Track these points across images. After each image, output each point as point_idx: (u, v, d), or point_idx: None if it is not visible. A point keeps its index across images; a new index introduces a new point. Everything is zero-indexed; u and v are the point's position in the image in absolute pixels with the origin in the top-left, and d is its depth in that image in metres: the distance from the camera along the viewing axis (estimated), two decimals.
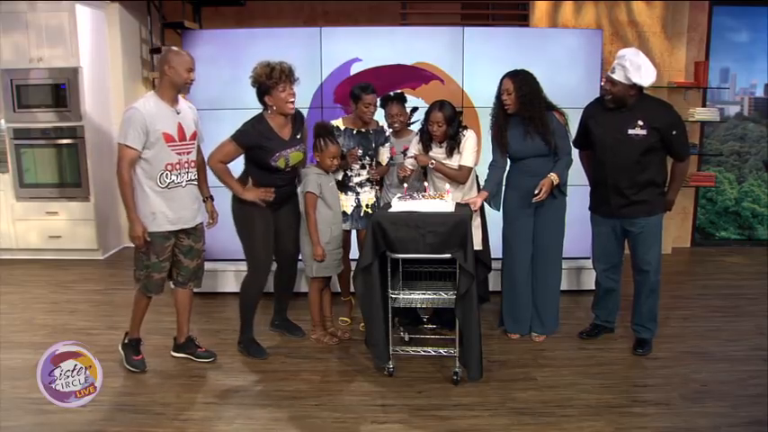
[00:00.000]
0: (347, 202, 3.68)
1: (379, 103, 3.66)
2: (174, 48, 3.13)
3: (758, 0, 5.50)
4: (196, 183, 3.26)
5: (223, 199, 4.39)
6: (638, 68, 3.15)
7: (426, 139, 3.50)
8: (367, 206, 3.71)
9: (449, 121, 3.40)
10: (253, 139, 3.22)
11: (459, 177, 3.51)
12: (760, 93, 5.77)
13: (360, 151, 3.62)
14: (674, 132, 3.23)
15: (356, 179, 3.69)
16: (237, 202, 3.35)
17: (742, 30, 5.65)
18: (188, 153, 3.16)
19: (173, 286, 3.39)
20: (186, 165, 3.15)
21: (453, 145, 3.46)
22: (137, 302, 3.28)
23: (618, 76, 3.19)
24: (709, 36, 5.58)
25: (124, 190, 3.00)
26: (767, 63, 5.69)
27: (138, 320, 3.31)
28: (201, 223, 3.33)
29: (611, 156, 3.32)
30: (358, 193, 3.70)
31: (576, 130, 3.56)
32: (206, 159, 3.31)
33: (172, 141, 3.05)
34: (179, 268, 3.29)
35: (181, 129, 3.10)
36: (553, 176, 3.36)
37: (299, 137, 3.37)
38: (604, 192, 3.39)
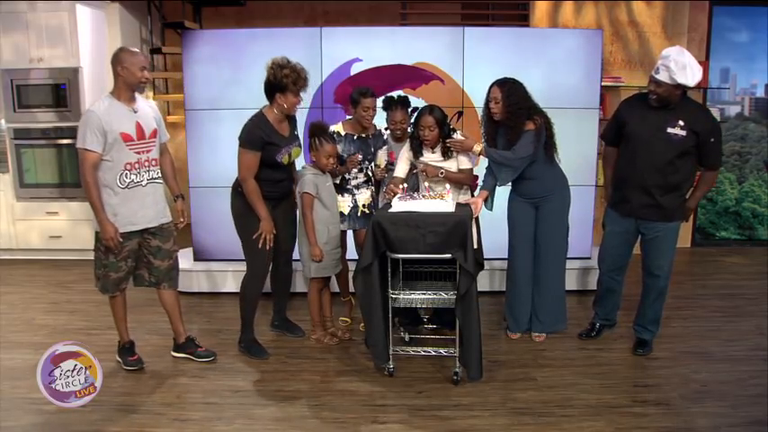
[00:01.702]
0: (344, 203, 3.67)
1: (381, 105, 3.65)
2: (127, 47, 3.11)
3: (758, 0, 5.50)
4: (159, 181, 3.23)
5: (220, 199, 4.40)
6: (683, 68, 3.05)
7: (417, 145, 3.47)
8: (364, 206, 3.71)
9: (440, 125, 3.39)
10: (261, 141, 3.23)
11: (465, 180, 3.53)
12: (760, 93, 5.77)
13: (360, 156, 3.63)
14: (712, 140, 3.17)
15: (354, 182, 3.70)
16: (238, 199, 3.36)
17: (742, 30, 5.65)
18: (148, 152, 3.13)
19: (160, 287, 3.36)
20: (146, 163, 3.13)
21: (446, 148, 3.45)
22: (111, 307, 3.28)
23: (662, 76, 3.10)
24: (710, 36, 5.58)
25: (91, 194, 2.97)
26: (767, 63, 5.69)
27: (121, 324, 3.30)
28: (169, 223, 3.29)
29: (645, 153, 3.24)
30: (354, 195, 3.71)
31: (608, 123, 3.53)
32: (240, 177, 3.25)
33: (130, 141, 3.03)
34: (150, 269, 3.26)
35: (139, 128, 3.07)
36: (476, 146, 3.37)
37: (296, 133, 3.43)
38: (628, 189, 3.34)
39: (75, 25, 5.17)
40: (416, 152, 3.48)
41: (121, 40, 5.64)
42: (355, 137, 3.65)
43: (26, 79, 5.26)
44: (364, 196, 3.73)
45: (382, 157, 3.74)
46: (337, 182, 3.64)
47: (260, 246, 3.28)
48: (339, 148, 3.56)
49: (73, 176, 5.40)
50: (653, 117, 3.22)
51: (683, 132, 3.16)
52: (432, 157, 3.48)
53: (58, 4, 5.15)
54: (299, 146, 3.44)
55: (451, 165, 3.49)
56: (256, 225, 3.30)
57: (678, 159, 3.20)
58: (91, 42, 5.37)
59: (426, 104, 3.52)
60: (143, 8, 5.78)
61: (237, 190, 3.35)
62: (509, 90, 3.34)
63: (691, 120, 3.16)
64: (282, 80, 3.18)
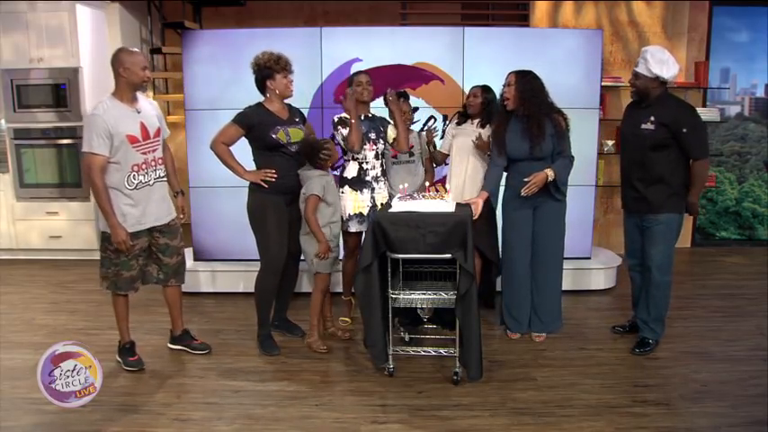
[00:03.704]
0: (363, 203, 3.63)
1: (383, 103, 3.71)
2: (126, 48, 3.11)
3: (758, 0, 5.50)
4: (165, 180, 3.27)
5: (221, 199, 4.41)
6: (660, 62, 3.23)
7: (462, 117, 3.85)
8: (381, 205, 3.63)
9: (485, 99, 3.72)
10: (252, 119, 3.31)
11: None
12: (760, 93, 5.77)
13: (373, 134, 3.60)
14: (684, 130, 3.24)
15: (372, 172, 3.64)
16: (252, 196, 3.40)
17: (742, 30, 5.65)
18: (153, 151, 3.15)
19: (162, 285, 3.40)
20: (153, 163, 3.15)
21: (487, 120, 3.70)
22: (114, 305, 3.28)
23: (641, 69, 3.28)
24: (710, 36, 5.58)
25: (100, 197, 2.98)
26: (767, 63, 5.69)
27: (123, 323, 3.30)
28: (175, 220, 3.32)
29: (627, 149, 3.47)
30: (373, 189, 3.65)
31: None
32: (209, 143, 3.36)
33: (136, 142, 3.04)
34: (159, 266, 3.30)
35: (144, 128, 3.08)
36: (548, 171, 3.37)
37: (297, 120, 3.46)
38: (623, 186, 3.53)
39: (75, 25, 5.17)
40: (460, 122, 3.86)
41: (121, 40, 5.65)
42: (362, 117, 3.62)
43: (26, 79, 5.26)
44: (382, 194, 3.68)
45: (392, 134, 3.71)
46: (355, 174, 3.62)
47: (264, 183, 3.33)
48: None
49: (73, 176, 5.41)
50: (634, 115, 3.41)
51: (653, 127, 3.28)
52: (471, 127, 3.76)
53: (57, 4, 5.16)
54: (302, 129, 3.45)
55: (486, 132, 3.70)
56: (269, 220, 3.35)
57: (653, 153, 3.31)
58: (91, 42, 5.37)
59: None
60: (143, 8, 5.78)
61: (252, 187, 3.39)
62: (524, 79, 3.42)
63: (660, 113, 3.28)
64: (265, 65, 3.30)
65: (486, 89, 3.75)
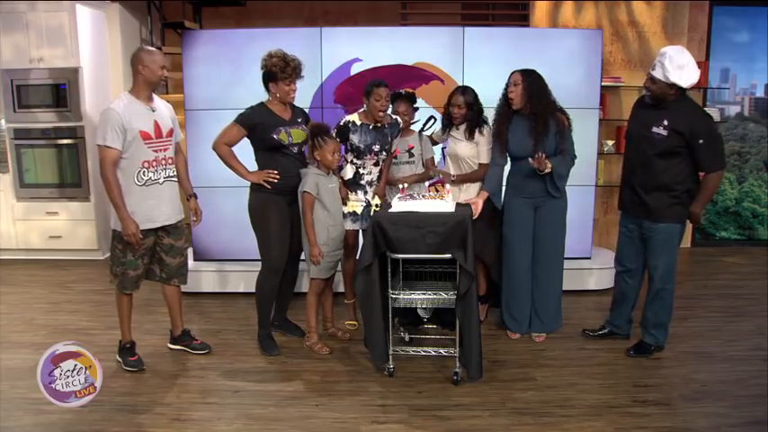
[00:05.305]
0: (357, 203, 3.65)
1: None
2: (146, 47, 3.17)
3: (758, 0, 5.50)
4: (175, 179, 3.29)
5: (220, 199, 4.41)
6: (678, 68, 3.05)
7: (447, 122, 3.72)
8: (376, 206, 3.66)
9: (469, 106, 3.58)
10: (254, 119, 3.32)
11: (480, 174, 3.64)
12: (760, 93, 5.77)
13: (377, 146, 3.58)
14: (700, 141, 3.08)
15: (367, 177, 3.65)
16: (254, 196, 3.42)
17: (742, 30, 5.65)
18: (165, 150, 3.18)
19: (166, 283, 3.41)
20: (163, 161, 3.18)
21: (473, 128, 3.61)
22: (118, 304, 3.30)
23: (657, 74, 3.11)
24: (710, 36, 5.58)
25: (112, 190, 3.01)
26: (767, 63, 5.69)
27: (125, 322, 3.32)
28: (182, 221, 3.34)
29: (632, 150, 3.34)
30: (367, 192, 3.66)
31: None
32: (212, 145, 3.38)
33: (149, 139, 3.08)
34: (162, 266, 3.32)
35: (157, 126, 3.13)
36: (551, 162, 3.34)
37: (299, 120, 3.46)
38: (622, 186, 3.44)
39: (75, 25, 5.17)
40: (445, 127, 3.74)
41: (121, 40, 5.64)
42: (371, 126, 3.60)
43: (26, 79, 5.25)
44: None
45: (397, 142, 3.72)
46: (351, 177, 3.63)
47: (268, 184, 3.33)
48: (355, 138, 3.55)
49: (73, 176, 5.40)
50: (644, 115, 3.26)
51: (665, 132, 3.14)
52: (456, 135, 3.67)
53: (58, 4, 5.15)
54: (304, 131, 3.45)
55: (472, 147, 3.62)
56: (271, 220, 3.36)
57: (661, 159, 3.17)
58: (91, 42, 5.37)
59: (461, 85, 3.76)
60: (143, 8, 5.77)
61: (253, 186, 3.40)
62: (530, 78, 3.39)
63: (676, 120, 3.12)
64: (271, 69, 3.29)
65: (464, 92, 3.62)
